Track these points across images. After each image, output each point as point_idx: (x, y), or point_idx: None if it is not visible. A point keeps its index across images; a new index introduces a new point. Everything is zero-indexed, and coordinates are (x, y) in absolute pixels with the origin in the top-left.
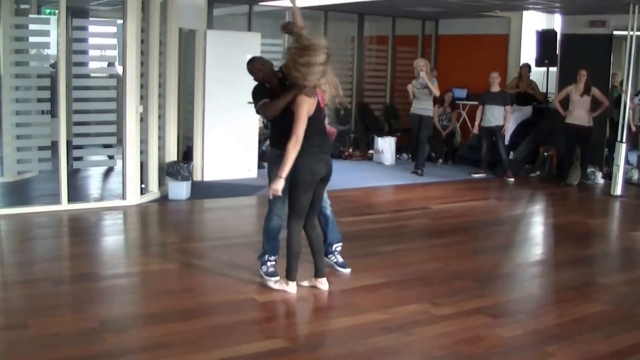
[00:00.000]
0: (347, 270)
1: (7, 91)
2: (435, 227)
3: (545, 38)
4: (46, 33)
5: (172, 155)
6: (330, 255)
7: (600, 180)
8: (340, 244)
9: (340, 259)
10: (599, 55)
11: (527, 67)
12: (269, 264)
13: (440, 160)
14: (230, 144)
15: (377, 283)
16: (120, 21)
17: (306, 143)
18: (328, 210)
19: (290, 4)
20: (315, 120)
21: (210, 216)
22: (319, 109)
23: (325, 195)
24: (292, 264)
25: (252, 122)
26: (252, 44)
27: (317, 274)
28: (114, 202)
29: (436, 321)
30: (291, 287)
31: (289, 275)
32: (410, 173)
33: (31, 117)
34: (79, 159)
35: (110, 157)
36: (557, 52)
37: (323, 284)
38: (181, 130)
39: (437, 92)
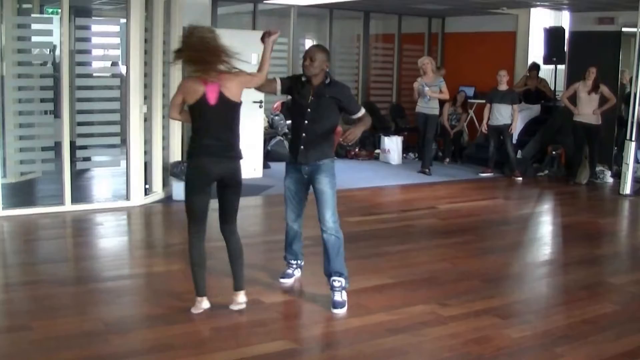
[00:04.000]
0: (340, 311)
1: (10, 91)
2: (442, 227)
3: (553, 35)
4: (49, 32)
5: (176, 155)
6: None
7: (609, 179)
8: (338, 279)
9: (336, 297)
10: (608, 53)
11: (536, 68)
12: (287, 265)
13: (448, 160)
14: None
15: (385, 284)
16: (123, 20)
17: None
18: (324, 235)
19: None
20: (199, 111)
21: (214, 217)
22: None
23: (327, 215)
24: (195, 276)
25: (257, 122)
26: (256, 43)
27: (235, 286)
28: (117, 203)
29: (444, 322)
30: (196, 306)
31: (195, 291)
32: (417, 172)
33: (34, 118)
34: (87, 159)
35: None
36: (565, 50)
37: (238, 298)
38: (185, 130)
39: (447, 97)
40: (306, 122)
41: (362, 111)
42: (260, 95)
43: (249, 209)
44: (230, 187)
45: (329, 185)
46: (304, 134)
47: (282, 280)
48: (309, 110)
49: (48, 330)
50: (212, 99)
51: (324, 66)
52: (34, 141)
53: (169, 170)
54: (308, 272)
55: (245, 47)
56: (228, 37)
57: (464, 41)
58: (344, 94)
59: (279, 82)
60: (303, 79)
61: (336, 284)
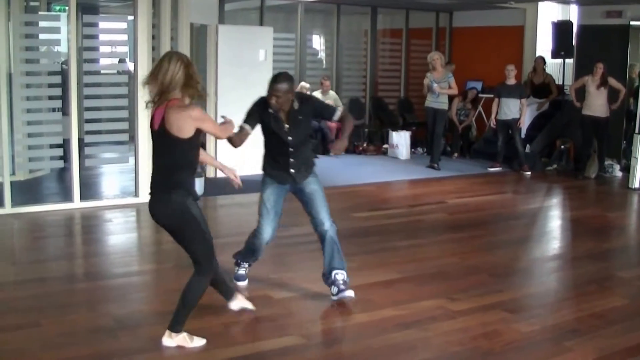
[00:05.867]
0: (350, 292)
1: (18, 89)
2: (451, 221)
3: (561, 29)
4: (56, 30)
5: None
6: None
7: (618, 173)
8: (341, 271)
9: (341, 286)
10: (616, 46)
11: (542, 60)
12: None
13: (456, 154)
14: None
15: (393, 278)
16: (130, 17)
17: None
18: (328, 233)
19: None
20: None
21: (223, 213)
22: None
23: (325, 211)
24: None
25: None
26: (264, 39)
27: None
28: (126, 200)
29: (453, 316)
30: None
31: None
32: (426, 167)
33: (42, 115)
34: (96, 156)
35: None
36: (573, 44)
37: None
38: None
39: (455, 92)
40: (291, 149)
41: (339, 112)
42: (262, 92)
43: (252, 206)
44: (173, 234)
45: (318, 184)
46: (291, 160)
47: (238, 282)
48: (289, 138)
49: (57, 327)
50: (156, 123)
51: (290, 95)
52: (42, 138)
53: None
54: (315, 268)
55: (252, 44)
56: (235, 34)
57: (471, 36)
58: (313, 106)
59: (247, 127)
60: (271, 110)
61: (339, 276)
